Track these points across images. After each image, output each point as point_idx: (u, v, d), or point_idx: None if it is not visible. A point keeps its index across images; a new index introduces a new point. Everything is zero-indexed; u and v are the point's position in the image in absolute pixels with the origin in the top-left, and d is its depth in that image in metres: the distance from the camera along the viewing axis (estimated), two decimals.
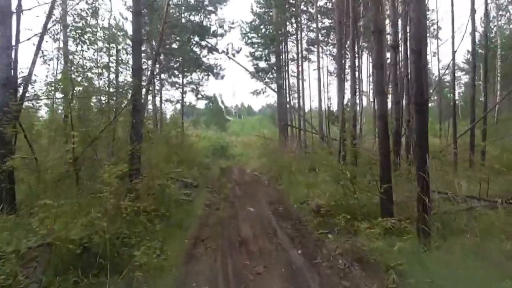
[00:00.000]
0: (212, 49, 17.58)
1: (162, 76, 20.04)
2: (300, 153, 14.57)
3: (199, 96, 19.24)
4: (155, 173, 8.04)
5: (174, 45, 18.58)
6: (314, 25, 20.40)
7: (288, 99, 18.74)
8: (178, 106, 19.60)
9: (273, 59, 19.85)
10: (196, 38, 17.41)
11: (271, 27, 19.40)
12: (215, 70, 18.06)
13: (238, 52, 19.03)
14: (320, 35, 20.03)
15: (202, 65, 17.84)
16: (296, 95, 19.56)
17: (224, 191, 10.59)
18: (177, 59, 19.10)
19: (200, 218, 7.44)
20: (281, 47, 19.37)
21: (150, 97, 17.59)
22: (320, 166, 11.70)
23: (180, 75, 19.40)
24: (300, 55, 19.40)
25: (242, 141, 27.83)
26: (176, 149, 13.99)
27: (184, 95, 19.22)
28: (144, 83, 7.38)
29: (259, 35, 19.59)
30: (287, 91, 19.10)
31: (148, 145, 11.07)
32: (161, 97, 19.85)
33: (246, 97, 79.10)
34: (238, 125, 38.75)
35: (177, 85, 19.71)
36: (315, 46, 20.96)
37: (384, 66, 7.44)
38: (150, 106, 17.96)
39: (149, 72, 13.94)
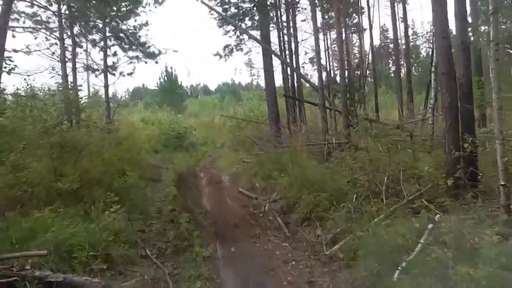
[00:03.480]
0: None
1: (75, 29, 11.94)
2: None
3: (131, 46, 11.27)
4: None
5: None
6: None
7: (283, 57, 11.57)
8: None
9: None
10: None
11: None
12: None
13: None
14: None
15: None
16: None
17: None
18: None
19: None
20: None
21: None
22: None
23: (101, 23, 11.44)
24: None
25: (202, 123, 21.38)
26: (82, 152, 6.75)
27: (109, 54, 11.40)
28: None
29: None
30: (281, 46, 11.89)
31: None
32: (74, 63, 11.73)
33: (202, 72, 69.94)
34: (196, 106, 30.92)
35: (97, 40, 11.69)
36: None
37: None
38: None
39: None
